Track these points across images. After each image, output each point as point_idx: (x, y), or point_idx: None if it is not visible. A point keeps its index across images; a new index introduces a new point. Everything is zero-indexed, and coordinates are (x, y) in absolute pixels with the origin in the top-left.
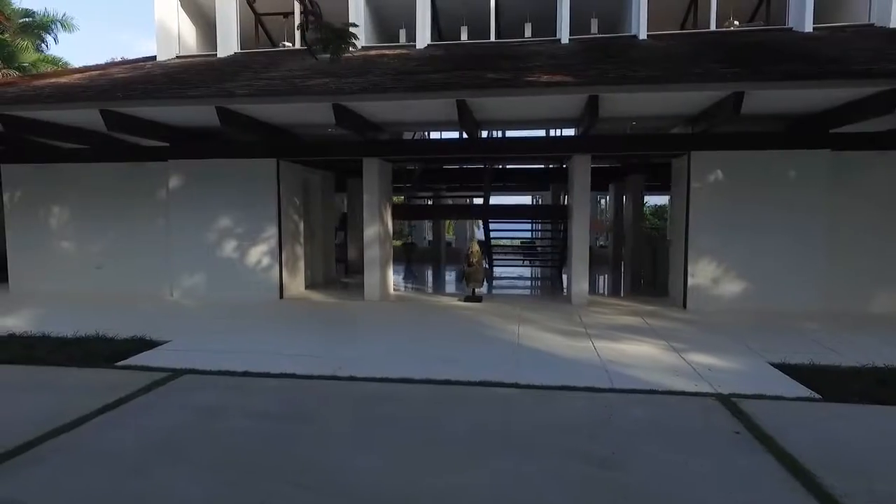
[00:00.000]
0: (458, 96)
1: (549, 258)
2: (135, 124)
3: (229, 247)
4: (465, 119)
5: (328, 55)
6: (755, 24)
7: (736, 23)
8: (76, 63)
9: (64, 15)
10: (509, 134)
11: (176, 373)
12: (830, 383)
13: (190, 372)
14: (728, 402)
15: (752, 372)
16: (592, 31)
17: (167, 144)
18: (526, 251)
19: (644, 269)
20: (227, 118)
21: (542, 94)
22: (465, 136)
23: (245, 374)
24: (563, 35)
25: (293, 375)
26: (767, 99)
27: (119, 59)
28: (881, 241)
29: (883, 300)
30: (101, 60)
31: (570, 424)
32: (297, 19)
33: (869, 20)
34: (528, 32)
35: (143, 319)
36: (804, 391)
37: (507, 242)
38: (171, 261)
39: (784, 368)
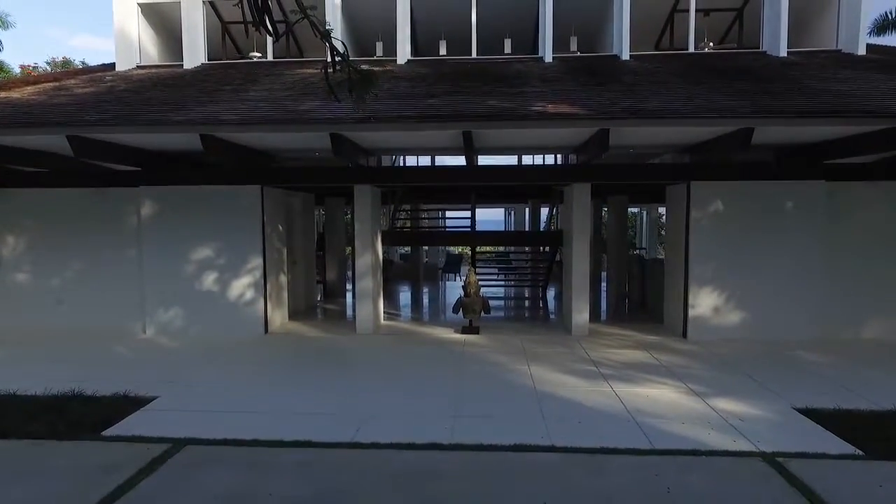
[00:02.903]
0: (470, 127)
1: (531, 277)
2: (106, 149)
3: (209, 279)
4: (470, 147)
5: (354, 96)
6: (729, 47)
7: (711, 44)
8: (13, 63)
9: None
10: (505, 160)
11: (176, 444)
12: (864, 433)
13: (191, 442)
14: (775, 462)
15: (782, 422)
16: (572, 49)
17: (139, 169)
18: (504, 266)
19: (632, 291)
20: (211, 145)
21: (557, 127)
22: (464, 162)
23: (255, 442)
24: (547, 54)
25: (310, 444)
26: (772, 133)
27: (59, 59)
28: (874, 270)
29: (875, 327)
30: (33, 59)
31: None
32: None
33: (836, 46)
34: (507, 48)
35: (120, 366)
36: (844, 446)
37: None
38: (143, 294)
39: (811, 415)
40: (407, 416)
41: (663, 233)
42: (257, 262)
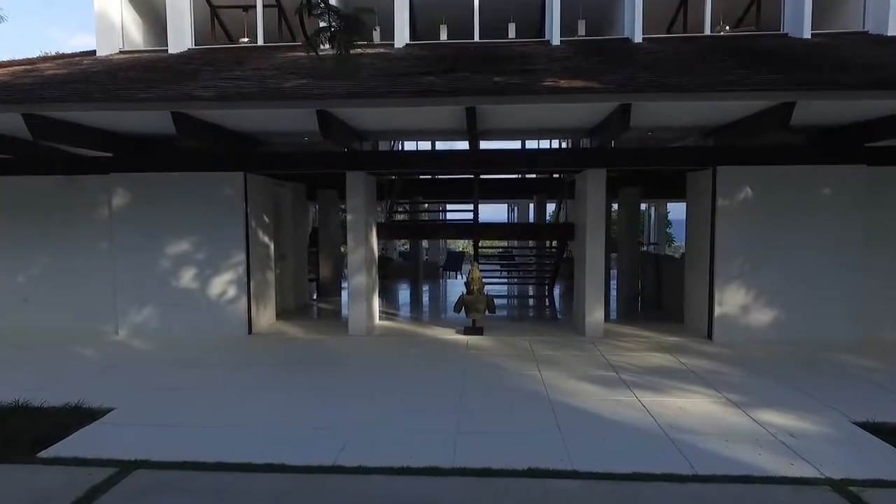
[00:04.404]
0: (473, 102)
1: (537, 275)
2: (69, 132)
3: (187, 276)
4: (473, 129)
5: (333, 51)
6: (747, 29)
7: (727, 27)
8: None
9: None
10: (510, 145)
11: (123, 468)
12: None
13: (142, 465)
14: (846, 492)
15: (842, 438)
16: (580, 33)
17: (110, 155)
18: (509, 263)
19: (645, 289)
20: (185, 126)
21: (574, 102)
22: (466, 146)
23: (218, 465)
24: (554, 36)
25: (284, 468)
26: (811, 111)
27: (52, 55)
28: None
29: None
30: (27, 55)
31: None
32: (260, 11)
33: (863, 27)
34: (511, 33)
35: (80, 372)
36: None
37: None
38: (116, 292)
39: (876, 431)
40: (400, 431)
41: (669, 231)
42: (240, 256)
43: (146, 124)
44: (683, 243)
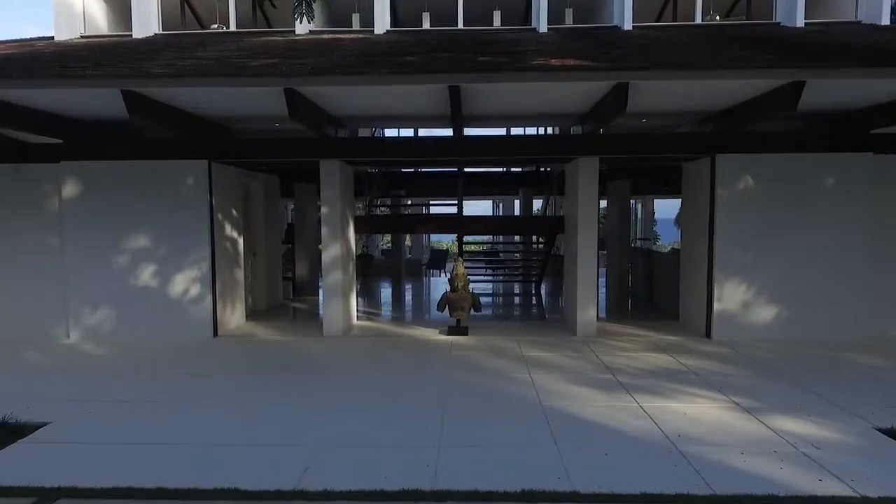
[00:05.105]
0: (459, 81)
1: (523, 272)
2: (11, 114)
3: (146, 273)
4: (457, 111)
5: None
6: (738, 19)
7: (717, 17)
8: None
9: None
10: (491, 132)
11: (44, 497)
12: None
13: (68, 494)
14: None
15: (870, 448)
16: (567, 22)
17: (59, 141)
18: (494, 260)
19: (636, 286)
20: (138, 107)
21: (567, 80)
22: (446, 132)
23: (159, 492)
24: (541, 24)
25: (237, 493)
26: (818, 94)
27: None
28: None
29: None
30: None
31: None
32: None
33: (856, 17)
34: (497, 21)
35: (18, 380)
36: None
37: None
38: (66, 291)
39: None
40: (374, 447)
41: (655, 229)
42: (204, 252)
43: (95, 105)
44: (669, 241)
